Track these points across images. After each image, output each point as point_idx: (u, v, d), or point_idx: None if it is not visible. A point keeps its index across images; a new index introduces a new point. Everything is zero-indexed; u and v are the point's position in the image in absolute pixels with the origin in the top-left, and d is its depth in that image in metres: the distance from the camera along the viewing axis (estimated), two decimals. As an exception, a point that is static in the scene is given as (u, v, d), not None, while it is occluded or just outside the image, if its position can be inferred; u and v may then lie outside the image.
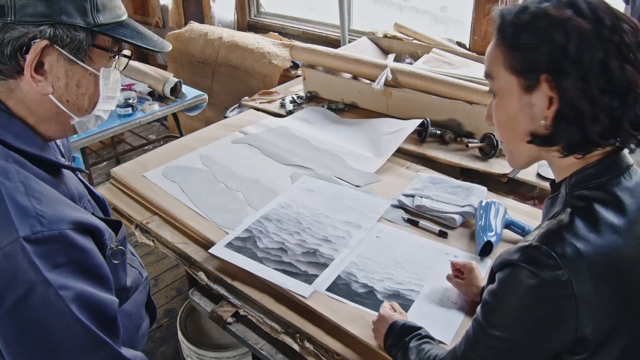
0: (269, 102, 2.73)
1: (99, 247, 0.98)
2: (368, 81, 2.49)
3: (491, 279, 0.96)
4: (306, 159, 2.11)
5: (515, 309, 0.88)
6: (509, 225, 1.65)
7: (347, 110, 2.57)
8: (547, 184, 1.91)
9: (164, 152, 2.16)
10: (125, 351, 0.99)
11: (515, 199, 1.92)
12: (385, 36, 3.09)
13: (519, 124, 0.96)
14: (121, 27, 1.01)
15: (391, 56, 2.83)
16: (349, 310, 1.39)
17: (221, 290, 1.51)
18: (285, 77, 3.46)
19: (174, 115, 3.21)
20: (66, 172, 1.07)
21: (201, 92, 3.18)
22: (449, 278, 1.45)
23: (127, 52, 1.08)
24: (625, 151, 0.94)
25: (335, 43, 3.62)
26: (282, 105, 2.65)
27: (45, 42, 0.91)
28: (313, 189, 1.90)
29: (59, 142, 1.19)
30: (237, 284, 1.51)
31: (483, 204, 1.69)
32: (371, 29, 3.25)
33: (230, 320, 1.46)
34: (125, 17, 1.04)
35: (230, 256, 1.56)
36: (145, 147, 3.76)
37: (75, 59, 0.96)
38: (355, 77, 2.59)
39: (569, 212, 0.89)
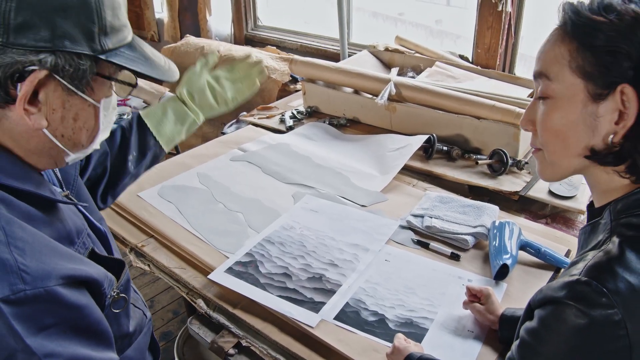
0: (268, 117, 2.65)
1: (97, 297, 0.86)
2: (370, 96, 2.42)
3: (528, 316, 0.86)
4: (308, 178, 2.02)
5: (560, 352, 0.79)
6: (524, 246, 1.56)
7: (349, 125, 2.50)
8: (560, 202, 1.83)
9: (160, 170, 2.06)
10: None
11: (527, 217, 1.84)
12: (386, 49, 3.02)
13: (575, 135, 0.87)
14: (128, 50, 0.88)
15: (394, 70, 2.76)
16: (359, 341, 1.30)
17: (222, 319, 1.42)
18: (284, 91, 3.39)
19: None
20: (63, 205, 0.94)
21: (197, 108, 3.10)
22: (465, 305, 1.36)
23: (131, 78, 0.94)
24: None
25: (333, 56, 3.56)
26: (282, 121, 2.57)
27: (44, 73, 0.78)
28: (317, 209, 1.81)
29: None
30: (239, 313, 1.41)
31: (496, 224, 1.61)
32: (370, 42, 3.19)
33: (231, 351, 1.36)
34: (131, 36, 0.91)
35: (230, 282, 1.46)
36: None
37: (75, 90, 0.83)
38: (357, 92, 2.52)
39: (618, 242, 0.81)
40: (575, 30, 0.84)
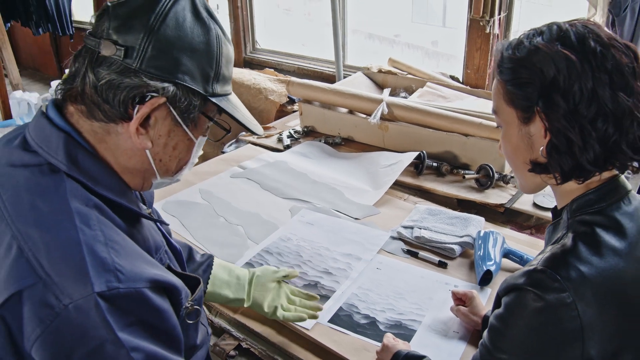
0: (266, 137, 2.76)
1: (175, 306, 0.93)
2: (364, 115, 2.53)
3: (497, 304, 0.97)
4: (305, 193, 2.13)
5: (521, 332, 0.90)
6: (507, 254, 1.66)
7: (344, 144, 2.61)
8: (544, 214, 1.94)
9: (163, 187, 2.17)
10: None
11: (513, 228, 1.94)
12: (379, 71, 3.14)
13: (521, 153, 1.00)
14: (228, 101, 0.99)
15: (387, 90, 2.88)
16: (352, 342, 1.39)
17: (223, 324, 1.51)
18: (282, 112, 3.50)
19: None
20: (145, 220, 1.02)
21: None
22: (452, 309, 1.46)
23: (225, 124, 1.03)
24: (623, 177, 0.97)
25: (330, 78, 3.68)
26: (280, 140, 2.68)
27: (163, 100, 0.89)
28: (312, 222, 1.91)
29: None
30: (239, 317, 1.51)
31: (481, 234, 1.71)
32: (365, 64, 3.31)
33: (232, 353, 1.45)
34: (231, 91, 1.02)
35: (232, 289, 1.56)
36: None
37: (182, 122, 0.94)
38: (351, 112, 2.63)
39: (572, 237, 0.92)
40: (499, 69, 0.99)
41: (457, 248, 1.72)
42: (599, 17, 2.55)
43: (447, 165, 2.25)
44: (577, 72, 0.88)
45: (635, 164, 0.95)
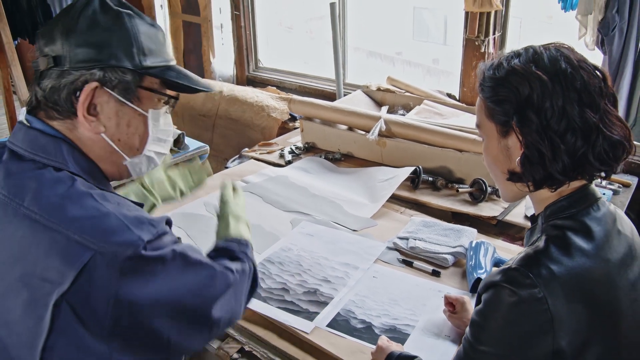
0: (268, 152, 2.86)
1: None
2: (363, 132, 2.62)
3: (478, 302, 1.06)
4: (305, 206, 2.22)
5: (499, 325, 0.99)
6: (497, 263, 1.74)
7: (344, 160, 2.70)
8: (534, 226, 2.02)
9: (170, 200, 2.26)
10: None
11: (505, 240, 2.02)
12: (378, 89, 3.25)
13: (500, 164, 1.10)
14: (168, 70, 1.11)
15: (384, 108, 2.98)
16: (349, 345, 1.47)
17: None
18: (284, 129, 3.60)
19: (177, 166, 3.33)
20: None
21: (203, 144, 3.30)
22: (444, 311, 1.54)
23: (172, 92, 1.16)
24: (594, 186, 1.07)
25: (330, 96, 3.78)
26: (281, 156, 2.77)
27: (95, 84, 1.02)
28: (312, 233, 2.00)
29: None
30: (242, 322, 1.59)
31: (473, 244, 1.79)
32: (365, 82, 3.41)
33: (235, 356, 1.53)
34: (173, 62, 1.14)
35: (235, 296, 1.64)
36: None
37: (124, 100, 1.06)
38: (350, 129, 2.72)
39: (545, 239, 1.02)
40: (481, 87, 1.10)
41: (450, 258, 1.80)
42: (589, 37, 2.66)
43: (443, 179, 2.34)
44: (549, 91, 0.98)
45: (603, 173, 1.04)
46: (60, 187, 0.99)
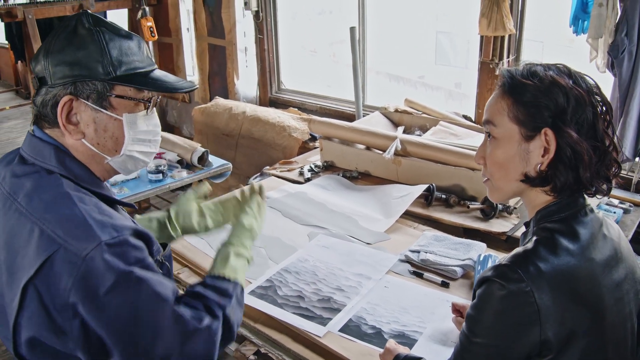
0: (289, 170, 2.97)
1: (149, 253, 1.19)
2: (380, 151, 2.72)
3: (474, 297, 1.15)
4: (322, 220, 2.31)
5: (490, 317, 1.08)
6: (504, 276, 1.82)
7: (361, 178, 2.80)
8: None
9: (194, 213, 2.38)
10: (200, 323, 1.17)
11: (514, 255, 2.09)
12: (396, 110, 3.35)
13: (514, 166, 1.17)
14: (138, 76, 1.22)
15: (400, 128, 3.08)
16: (359, 348, 1.56)
17: (244, 332, 1.69)
18: (304, 148, 3.71)
19: (200, 183, 3.47)
20: (120, 210, 1.30)
21: (226, 162, 3.43)
22: (453, 319, 1.62)
23: (147, 98, 1.26)
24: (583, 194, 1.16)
25: (350, 117, 3.89)
26: (301, 174, 2.88)
27: (68, 97, 1.16)
28: (328, 245, 2.10)
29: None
30: (259, 326, 1.68)
31: (481, 257, 1.87)
32: (383, 104, 3.51)
33: (252, 357, 1.62)
34: (148, 68, 1.25)
35: (253, 302, 1.74)
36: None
37: (98, 108, 1.19)
38: (368, 148, 2.82)
39: (534, 240, 1.11)
40: (511, 90, 1.15)
41: (459, 270, 1.88)
42: (600, 60, 2.73)
43: (455, 197, 2.42)
44: (583, 106, 1.09)
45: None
46: (47, 188, 1.15)
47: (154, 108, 1.29)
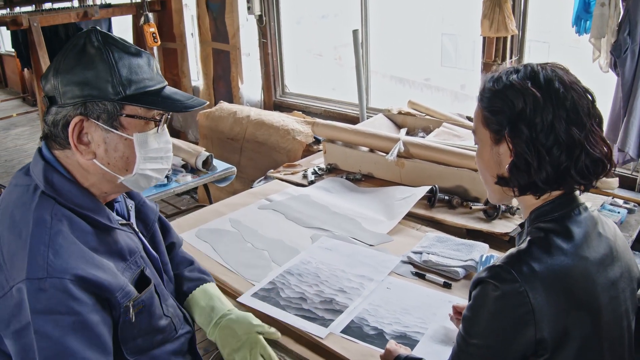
0: (292, 173, 2.98)
1: (109, 302, 1.17)
2: (383, 153, 2.72)
3: (470, 299, 1.15)
4: (325, 223, 2.32)
5: (485, 318, 1.09)
6: (507, 276, 1.82)
7: (364, 180, 2.80)
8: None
9: (197, 216, 2.40)
10: None
11: (517, 256, 2.09)
12: (399, 112, 3.35)
13: (490, 168, 1.20)
14: (148, 96, 1.22)
15: (403, 130, 3.08)
16: (361, 349, 1.56)
17: (248, 334, 1.70)
18: (308, 151, 3.73)
19: (205, 187, 3.49)
20: (118, 234, 1.29)
21: (230, 165, 3.45)
22: (450, 317, 1.62)
23: (157, 117, 1.27)
24: (577, 193, 1.16)
25: (354, 120, 3.91)
26: (305, 176, 2.89)
27: (79, 118, 1.17)
28: (331, 247, 2.10)
29: (129, 203, 1.43)
30: (262, 328, 1.69)
31: (483, 258, 1.87)
32: (387, 106, 3.52)
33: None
34: (158, 86, 1.26)
35: (256, 304, 1.75)
36: (178, 216, 4.03)
37: (109, 128, 1.19)
38: (371, 150, 2.83)
39: (528, 240, 1.12)
40: (480, 97, 1.21)
41: (461, 271, 1.89)
42: (603, 60, 2.73)
43: (459, 198, 2.42)
44: (541, 107, 1.09)
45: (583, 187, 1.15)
46: (22, 205, 1.18)
47: (165, 125, 1.30)
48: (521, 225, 1.26)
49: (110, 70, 1.18)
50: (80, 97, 1.16)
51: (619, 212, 2.40)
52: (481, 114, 1.19)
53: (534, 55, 4.78)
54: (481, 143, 1.22)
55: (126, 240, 1.30)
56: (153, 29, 5.01)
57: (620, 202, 2.54)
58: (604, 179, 2.61)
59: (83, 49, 1.19)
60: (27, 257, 1.08)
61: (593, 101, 1.14)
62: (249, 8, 4.50)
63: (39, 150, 1.25)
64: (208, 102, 1.38)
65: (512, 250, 1.12)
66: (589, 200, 2.48)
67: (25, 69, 8.43)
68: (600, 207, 2.45)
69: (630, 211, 2.47)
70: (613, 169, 1.16)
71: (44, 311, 1.06)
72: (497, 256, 1.87)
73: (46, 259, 1.08)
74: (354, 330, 1.64)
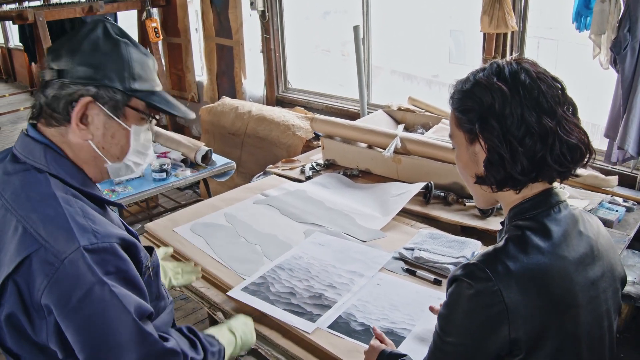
0: (290, 169, 2.98)
1: (136, 262, 1.22)
2: (381, 149, 2.72)
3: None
4: (319, 218, 2.32)
5: (459, 316, 1.08)
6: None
7: (361, 176, 2.80)
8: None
9: (193, 210, 2.41)
10: (167, 343, 1.22)
11: (510, 253, 2.08)
12: (399, 109, 3.34)
13: (469, 169, 1.19)
14: (153, 95, 1.28)
15: (401, 126, 3.08)
16: (347, 345, 1.56)
17: (236, 328, 1.70)
18: (308, 147, 3.72)
19: (205, 182, 3.49)
20: (109, 211, 1.32)
21: (229, 160, 3.45)
22: (433, 310, 1.61)
23: (156, 116, 1.34)
24: (558, 190, 1.15)
25: (355, 116, 3.90)
26: (302, 172, 2.89)
27: (89, 98, 1.19)
28: (323, 243, 2.10)
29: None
30: (250, 322, 1.69)
31: (475, 254, 1.86)
32: (388, 102, 3.51)
33: (242, 353, 1.63)
34: (159, 89, 1.32)
35: (245, 298, 1.76)
36: (178, 209, 4.04)
37: (112, 115, 1.23)
38: (369, 146, 2.82)
39: (505, 238, 1.11)
40: (450, 100, 1.20)
41: (451, 267, 1.88)
42: (603, 56, 2.71)
43: (454, 195, 2.42)
44: (508, 100, 1.08)
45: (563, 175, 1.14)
46: (35, 187, 1.18)
47: (153, 124, 1.36)
48: (502, 223, 1.25)
49: (125, 62, 1.23)
50: (93, 79, 1.19)
51: (617, 211, 2.39)
52: (455, 116, 1.19)
53: (543, 53, 4.74)
54: (458, 146, 1.21)
55: (115, 219, 1.34)
56: (155, 24, 5.01)
57: (620, 200, 2.53)
58: (603, 176, 2.63)
59: (104, 36, 1.23)
60: (73, 229, 1.10)
61: (563, 89, 1.13)
62: (252, 3, 4.50)
63: (26, 134, 1.25)
64: (194, 116, 1.43)
65: (489, 248, 1.11)
66: (587, 198, 2.48)
67: (33, 63, 8.47)
68: (599, 205, 2.43)
69: (628, 209, 2.46)
70: (593, 155, 1.14)
71: (104, 273, 1.10)
72: (488, 253, 1.86)
73: (91, 227, 1.12)
74: (341, 325, 1.64)
